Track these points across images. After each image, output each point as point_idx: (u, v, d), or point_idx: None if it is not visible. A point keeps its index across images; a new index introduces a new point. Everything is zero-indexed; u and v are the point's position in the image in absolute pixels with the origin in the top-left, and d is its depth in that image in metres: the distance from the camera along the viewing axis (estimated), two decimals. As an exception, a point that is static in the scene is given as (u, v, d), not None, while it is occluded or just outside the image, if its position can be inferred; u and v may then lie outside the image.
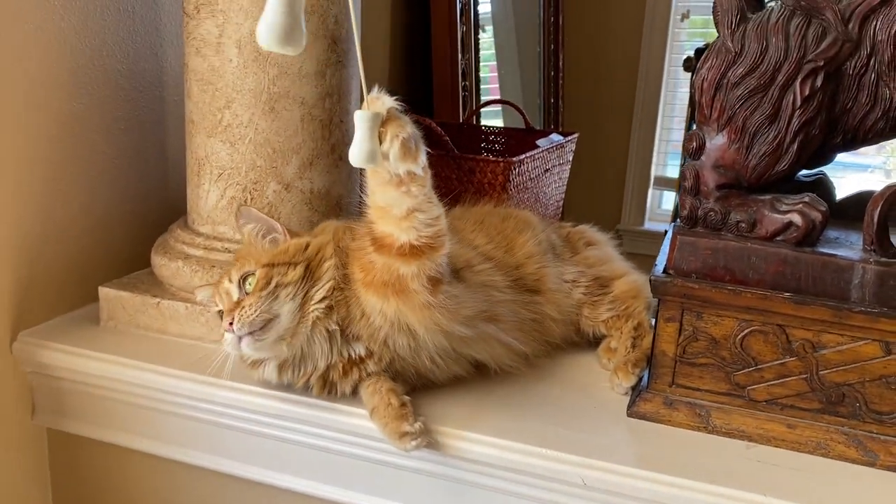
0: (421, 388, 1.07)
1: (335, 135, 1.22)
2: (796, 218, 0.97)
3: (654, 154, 3.53)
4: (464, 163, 1.56)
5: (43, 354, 1.19)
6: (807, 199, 0.98)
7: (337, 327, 0.99)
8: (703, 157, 1.01)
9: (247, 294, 0.96)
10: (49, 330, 1.24)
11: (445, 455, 1.00)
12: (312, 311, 0.98)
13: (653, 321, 1.10)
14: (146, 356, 1.17)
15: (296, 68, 1.15)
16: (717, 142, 1.00)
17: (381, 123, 0.81)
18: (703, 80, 0.99)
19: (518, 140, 2.10)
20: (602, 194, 3.57)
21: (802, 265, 0.97)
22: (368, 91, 0.82)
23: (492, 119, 2.88)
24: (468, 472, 1.02)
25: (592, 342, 1.25)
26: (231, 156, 1.18)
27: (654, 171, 3.57)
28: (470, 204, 1.34)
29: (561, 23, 3.15)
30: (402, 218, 0.88)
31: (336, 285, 0.99)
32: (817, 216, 0.97)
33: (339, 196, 1.25)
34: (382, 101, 0.82)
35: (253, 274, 0.97)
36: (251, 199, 1.19)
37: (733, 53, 0.96)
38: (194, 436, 1.16)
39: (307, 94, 1.17)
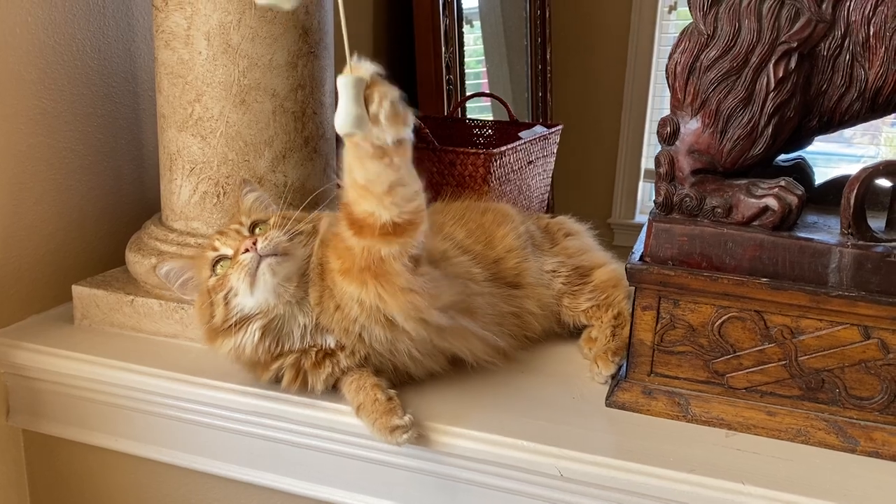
0: (398, 384, 1.05)
1: (308, 127, 1.20)
2: (772, 202, 0.95)
3: (644, 146, 3.52)
4: (444, 155, 1.54)
5: (16, 355, 1.18)
6: (783, 182, 0.97)
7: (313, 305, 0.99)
8: (677, 143, 0.99)
9: (266, 228, 0.99)
10: (22, 330, 1.22)
11: (427, 450, 0.99)
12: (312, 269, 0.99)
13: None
14: (121, 355, 1.15)
15: (266, 59, 1.14)
16: (691, 126, 0.98)
17: (366, 87, 0.79)
18: (675, 64, 0.97)
19: (503, 133, 2.09)
20: (592, 188, 3.56)
21: (779, 250, 0.96)
22: (350, 56, 0.80)
23: (482, 114, 2.86)
24: (449, 467, 1.00)
25: (573, 333, 1.24)
26: (203, 150, 1.16)
27: (645, 164, 3.56)
28: (451, 199, 1.33)
29: (548, 16, 3.14)
30: (383, 194, 0.87)
31: (313, 267, 0.99)
32: (793, 200, 0.95)
33: (314, 189, 1.23)
34: (365, 67, 0.80)
35: (265, 221, 1.00)
36: (224, 193, 1.17)
37: (706, 36, 0.95)
38: (173, 435, 1.15)
39: (278, 85, 1.15)
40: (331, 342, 1.00)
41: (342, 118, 0.78)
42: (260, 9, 1.10)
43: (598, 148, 3.51)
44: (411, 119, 0.84)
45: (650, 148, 3.56)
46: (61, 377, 1.16)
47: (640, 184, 3.57)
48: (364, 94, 0.79)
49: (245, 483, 1.13)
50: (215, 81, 1.14)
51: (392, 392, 0.99)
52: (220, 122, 1.15)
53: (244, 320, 0.97)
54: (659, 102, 3.51)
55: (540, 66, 3.16)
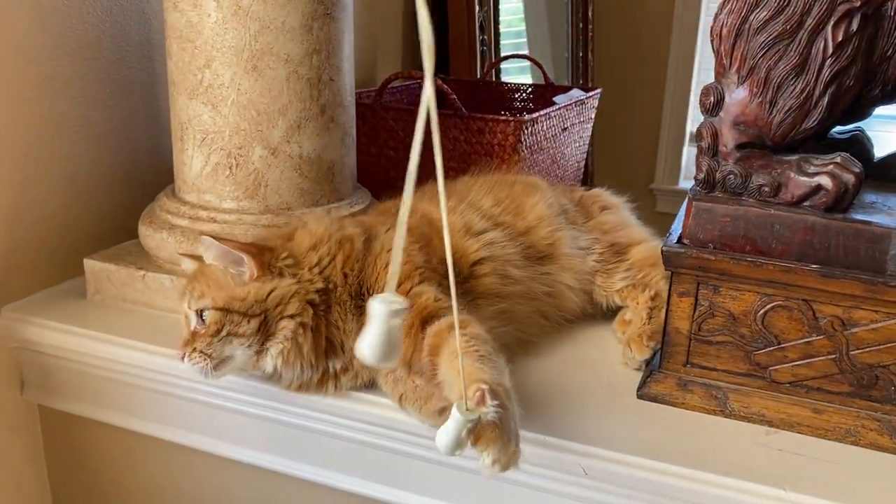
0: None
1: (324, 95, 1.13)
2: (826, 181, 0.86)
3: (690, 109, 3.38)
4: (472, 122, 1.46)
5: (28, 330, 1.14)
6: (838, 159, 0.87)
7: (309, 355, 0.92)
8: (721, 114, 0.90)
9: (203, 329, 0.89)
10: (34, 304, 1.19)
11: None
12: (269, 360, 0.91)
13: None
14: (133, 332, 1.11)
15: (279, 22, 1.06)
16: (737, 96, 0.89)
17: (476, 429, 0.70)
18: (721, 26, 0.88)
19: (539, 97, 1.99)
20: (634, 152, 3.43)
21: (832, 233, 0.87)
22: (467, 388, 0.70)
23: (521, 75, 2.75)
24: (465, 460, 0.94)
25: (606, 314, 1.17)
26: (213, 119, 1.10)
27: (690, 128, 3.42)
28: (480, 172, 1.25)
29: (590, -29, 3.00)
30: None
31: (297, 334, 0.90)
32: (850, 178, 0.86)
33: (331, 161, 1.17)
34: (487, 406, 0.69)
35: (209, 309, 0.89)
36: (236, 165, 1.11)
37: (756, -6, 0.85)
38: (185, 416, 1.11)
39: (292, 50, 1.08)
40: (338, 366, 0.95)
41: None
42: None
43: (642, 110, 3.38)
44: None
45: (696, 111, 3.41)
46: (72, 354, 1.13)
47: (685, 148, 3.44)
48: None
49: (262, 469, 1.09)
50: (225, 46, 1.07)
51: None
52: (231, 90, 1.08)
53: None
54: (706, 62, 3.35)
55: (581, 25, 3.03)
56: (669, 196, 3.39)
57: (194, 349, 0.89)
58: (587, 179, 2.52)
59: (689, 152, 3.47)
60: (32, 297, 1.21)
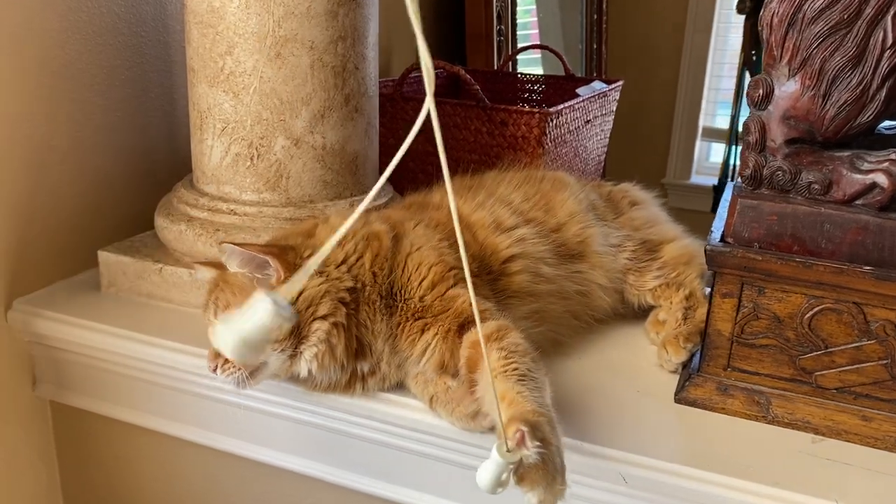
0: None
1: (349, 84, 1.09)
2: (881, 178, 0.82)
3: (703, 103, 3.34)
4: (495, 114, 1.42)
5: (40, 324, 1.11)
6: (894, 156, 0.83)
7: (341, 357, 0.88)
8: (770, 107, 0.86)
9: None
10: (47, 297, 1.15)
11: (467, 445, 0.89)
12: (304, 364, 0.87)
13: (707, 292, 0.97)
14: (148, 328, 1.07)
15: (304, 8, 1.02)
16: (787, 88, 0.85)
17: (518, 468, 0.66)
18: (772, 15, 0.84)
19: (557, 88, 1.95)
20: (646, 146, 3.39)
21: (887, 234, 0.83)
22: (507, 427, 0.68)
23: (530, 67, 2.71)
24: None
25: (638, 314, 1.13)
26: (235, 107, 1.06)
27: (703, 122, 3.38)
28: (506, 167, 1.22)
29: (604, -38, 2.95)
30: None
31: (331, 335, 0.86)
32: (907, 176, 0.82)
33: (356, 153, 1.13)
34: (528, 448, 0.66)
35: None
36: (258, 156, 1.07)
37: (811, -18, 0.81)
38: (201, 414, 1.07)
39: (317, 37, 1.04)
40: (365, 368, 0.91)
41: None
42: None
43: (654, 104, 3.34)
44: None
45: (709, 105, 3.37)
46: (86, 349, 1.09)
47: (698, 142, 3.40)
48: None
49: (279, 468, 1.05)
50: (248, 32, 1.03)
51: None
52: (253, 78, 1.04)
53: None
54: (720, 56, 3.31)
55: (595, 16, 2.98)
56: (681, 191, 3.35)
57: (226, 360, 0.85)
58: (602, 175, 2.48)
59: (701, 147, 3.43)
60: (45, 289, 1.17)
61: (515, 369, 0.76)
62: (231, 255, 0.86)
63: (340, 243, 0.91)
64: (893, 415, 0.86)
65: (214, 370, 0.85)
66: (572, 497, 0.88)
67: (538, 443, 0.66)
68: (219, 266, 0.90)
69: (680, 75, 3.32)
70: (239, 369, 0.84)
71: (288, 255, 0.86)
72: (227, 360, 0.84)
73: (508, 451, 0.65)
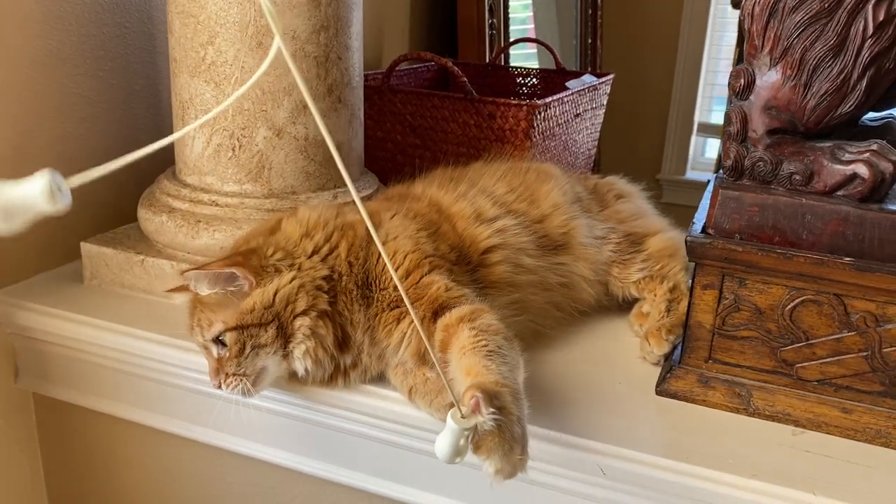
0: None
1: (332, 74, 1.09)
2: (862, 169, 0.82)
3: (699, 98, 3.33)
4: (483, 107, 1.41)
5: (22, 315, 1.10)
6: (875, 146, 0.83)
7: (331, 348, 0.88)
8: (751, 97, 0.86)
9: (226, 352, 0.85)
10: (29, 288, 1.15)
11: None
12: (297, 362, 0.87)
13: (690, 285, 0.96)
14: (130, 320, 1.07)
15: (285, -3, 1.02)
16: (769, 78, 0.84)
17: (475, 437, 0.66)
18: (753, 5, 0.83)
19: (549, 82, 1.94)
20: (641, 141, 3.39)
21: (867, 225, 0.82)
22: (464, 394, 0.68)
23: (527, 61, 2.70)
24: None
25: (622, 306, 1.13)
26: (216, 98, 1.06)
27: (698, 117, 3.37)
28: (492, 158, 1.21)
29: (599, -44, 2.94)
30: None
31: (317, 327, 0.86)
32: (887, 167, 0.81)
33: (338, 144, 1.12)
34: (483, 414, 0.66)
35: (225, 332, 0.85)
36: (239, 146, 1.07)
37: (792, -29, 0.81)
38: (184, 406, 1.07)
39: (299, 26, 1.04)
40: (348, 361, 0.90)
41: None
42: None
43: (649, 99, 3.33)
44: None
45: (704, 100, 3.36)
46: (68, 341, 1.09)
47: (693, 138, 3.39)
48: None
49: (261, 461, 1.05)
50: (229, 21, 1.02)
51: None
52: (234, 68, 1.04)
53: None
54: (715, 51, 3.30)
55: (590, 11, 2.97)
56: (676, 187, 3.34)
57: (226, 374, 0.85)
58: (594, 169, 2.47)
59: (696, 142, 3.42)
60: (27, 281, 1.16)
61: (485, 346, 0.76)
62: (197, 280, 0.85)
63: (307, 234, 0.91)
64: (873, 407, 0.86)
65: (219, 386, 0.86)
66: (550, 488, 0.88)
67: (494, 410, 0.66)
68: (189, 288, 0.89)
69: (675, 70, 3.31)
70: (241, 379, 0.84)
71: (252, 260, 0.86)
72: (227, 375, 0.85)
73: (463, 417, 0.65)
